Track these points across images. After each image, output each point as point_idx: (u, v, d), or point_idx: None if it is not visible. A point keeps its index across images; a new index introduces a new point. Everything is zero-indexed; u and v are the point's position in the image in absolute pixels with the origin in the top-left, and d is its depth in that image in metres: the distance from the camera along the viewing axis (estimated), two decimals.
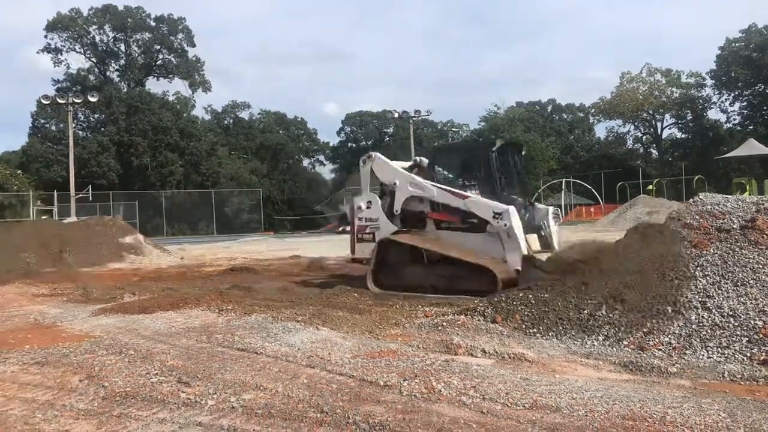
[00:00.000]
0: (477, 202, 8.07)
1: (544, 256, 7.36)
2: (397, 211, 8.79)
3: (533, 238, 8.09)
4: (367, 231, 9.01)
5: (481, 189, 8.49)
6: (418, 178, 8.73)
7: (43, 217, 33.86)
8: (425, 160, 9.25)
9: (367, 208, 9.08)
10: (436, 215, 8.50)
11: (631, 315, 4.99)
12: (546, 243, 8.21)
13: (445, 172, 9.10)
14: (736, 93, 53.07)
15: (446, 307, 6.62)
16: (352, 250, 9.28)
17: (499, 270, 7.35)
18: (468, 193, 8.32)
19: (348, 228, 35.42)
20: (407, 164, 9.36)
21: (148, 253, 16.50)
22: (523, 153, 9.53)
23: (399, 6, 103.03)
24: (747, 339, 4.50)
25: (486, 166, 8.57)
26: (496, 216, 7.76)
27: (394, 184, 8.84)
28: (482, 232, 7.96)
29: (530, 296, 5.66)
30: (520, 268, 7.15)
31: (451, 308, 6.47)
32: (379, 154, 9.47)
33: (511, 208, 7.78)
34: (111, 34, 50.92)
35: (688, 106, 55.61)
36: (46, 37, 49.53)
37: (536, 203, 8.86)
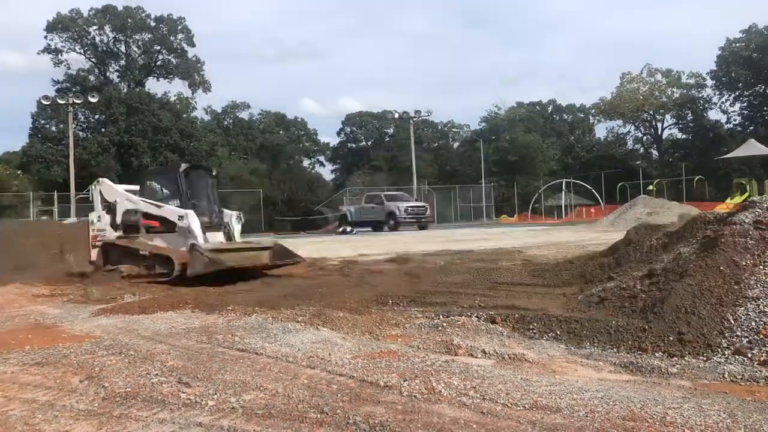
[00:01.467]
0: (166, 209, 10.90)
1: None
2: (118, 222, 11.39)
3: (219, 234, 11.14)
4: (99, 239, 11.69)
5: (187, 204, 11.02)
6: (132, 195, 11.53)
7: (43, 217, 33.88)
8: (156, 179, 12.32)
9: (98, 221, 11.83)
10: (145, 222, 11.13)
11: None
12: (229, 236, 11.34)
13: (166, 191, 11.70)
14: (737, 93, 53.11)
15: (446, 307, 6.61)
16: (89, 256, 11.83)
17: (176, 256, 10.09)
18: (161, 204, 11.10)
19: (348, 228, 35.29)
20: (133, 187, 12.29)
21: None
22: (214, 174, 12.51)
23: (399, 8, 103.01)
24: (747, 339, 4.50)
25: (177, 184, 11.30)
26: (181, 218, 10.47)
27: (115, 201, 11.59)
28: (173, 232, 10.66)
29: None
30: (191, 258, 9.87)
31: (452, 309, 6.46)
32: (105, 179, 12.64)
33: (190, 212, 10.48)
34: (111, 35, 51.00)
35: (688, 107, 55.63)
36: (46, 37, 49.58)
37: (224, 209, 11.74)
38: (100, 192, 11.97)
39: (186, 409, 3.61)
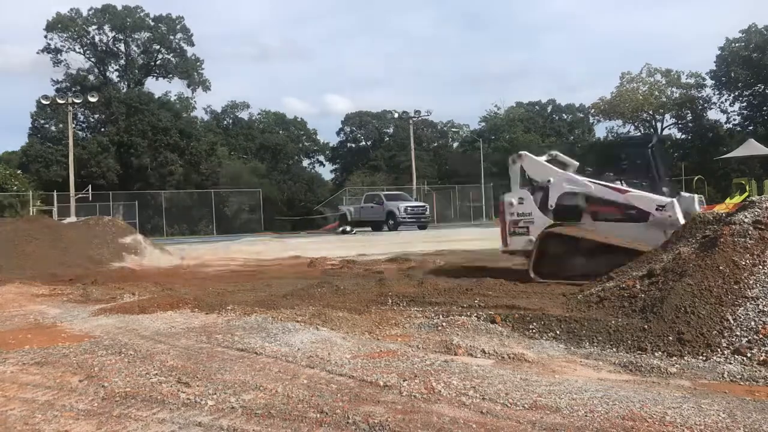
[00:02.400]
0: (639, 196, 8.67)
1: None
2: (551, 206, 9.31)
3: None
4: (521, 225, 9.57)
5: (632, 183, 9.09)
6: (574, 175, 9.41)
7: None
8: (560, 154, 10.14)
9: (519, 203, 9.64)
10: (593, 208, 9.07)
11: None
12: None
13: (588, 168, 9.73)
14: (736, 93, 53.12)
15: (446, 307, 6.61)
16: (505, 243, 9.87)
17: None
18: (627, 188, 8.88)
19: (348, 228, 35.33)
20: (544, 158, 10.03)
21: (148, 253, 16.47)
22: (665, 146, 10.47)
23: (400, 11, 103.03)
24: (746, 339, 4.51)
25: (645, 161, 9.24)
26: (660, 208, 8.35)
27: (548, 180, 9.40)
28: (641, 222, 8.50)
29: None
30: None
31: (451, 308, 6.47)
32: (528, 153, 10.10)
33: (675, 200, 8.36)
34: (110, 34, 51.00)
35: (688, 107, 55.63)
36: (45, 37, 49.58)
37: (682, 193, 9.27)
38: (522, 168, 9.91)
39: (185, 408, 3.61)
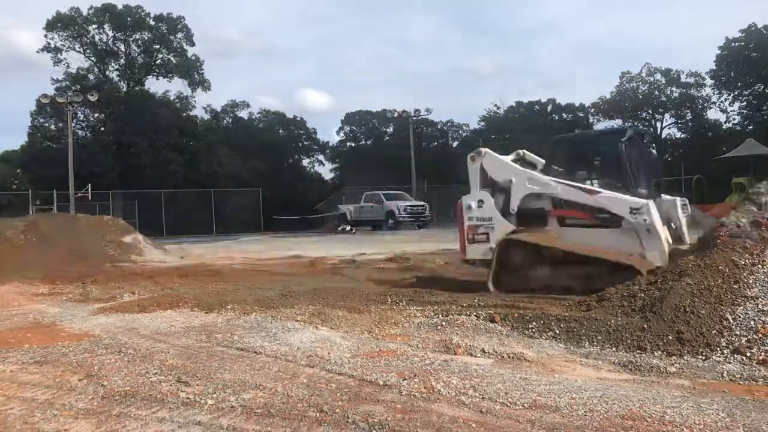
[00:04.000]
0: (610, 197, 7.74)
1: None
2: (513, 210, 8.46)
3: (665, 232, 7.76)
4: (480, 231, 8.65)
5: (605, 182, 8.24)
6: (537, 174, 8.48)
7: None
8: (527, 152, 9.22)
9: (479, 207, 8.71)
10: (560, 212, 8.27)
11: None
12: (678, 236, 7.85)
13: (555, 166, 8.62)
14: (736, 93, 53.12)
15: (445, 306, 6.62)
16: (463, 251, 8.95)
17: (643, 267, 6.91)
18: (597, 188, 8.02)
19: (348, 227, 35.17)
20: (510, 157, 9.18)
21: (148, 252, 16.49)
22: (645, 141, 9.06)
23: (399, 14, 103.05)
24: (746, 339, 4.51)
25: (616, 157, 8.12)
26: (633, 211, 7.46)
27: (510, 181, 8.54)
28: (614, 228, 7.71)
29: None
30: (661, 265, 6.93)
31: (450, 308, 6.47)
32: (489, 150, 9.19)
33: (650, 203, 7.50)
34: (110, 33, 50.92)
35: (687, 106, 55.66)
36: (45, 36, 49.53)
37: (662, 194, 8.42)
38: (482, 167, 8.88)
39: (185, 408, 3.61)
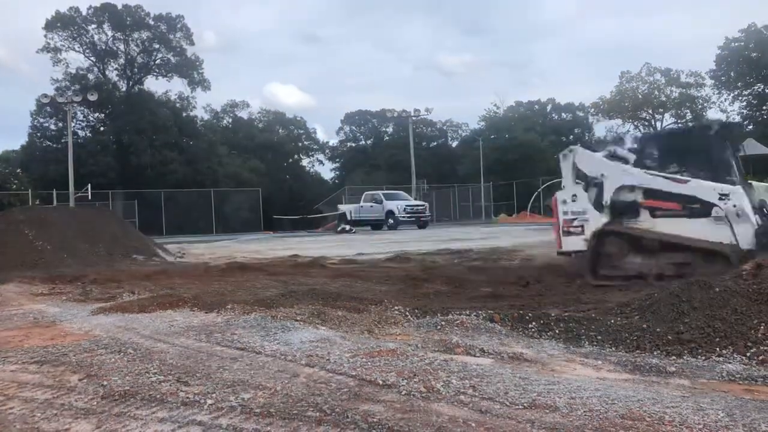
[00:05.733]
0: (700, 185, 7.94)
1: None
2: (606, 202, 8.68)
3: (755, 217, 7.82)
4: (575, 224, 8.96)
5: (696, 174, 8.32)
6: (630, 167, 8.68)
7: None
8: (618, 148, 9.31)
9: (573, 201, 9.02)
10: (651, 202, 8.40)
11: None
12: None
13: (647, 161, 8.80)
14: (736, 93, 53.16)
15: (446, 306, 6.62)
16: (559, 244, 9.24)
17: (734, 254, 7.15)
18: (686, 177, 8.17)
19: (347, 227, 35.26)
20: (601, 153, 9.31)
21: (147, 252, 16.50)
22: (734, 134, 9.38)
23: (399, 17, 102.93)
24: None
25: (707, 150, 8.42)
26: (723, 197, 7.64)
27: (602, 175, 8.78)
28: (705, 217, 7.82)
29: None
30: (753, 248, 7.07)
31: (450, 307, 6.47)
32: (581, 147, 9.51)
33: (738, 188, 7.65)
34: (110, 33, 50.97)
35: (687, 106, 55.69)
36: (45, 36, 49.51)
37: (751, 182, 8.57)
38: (574, 164, 9.17)
39: (185, 407, 3.61)
